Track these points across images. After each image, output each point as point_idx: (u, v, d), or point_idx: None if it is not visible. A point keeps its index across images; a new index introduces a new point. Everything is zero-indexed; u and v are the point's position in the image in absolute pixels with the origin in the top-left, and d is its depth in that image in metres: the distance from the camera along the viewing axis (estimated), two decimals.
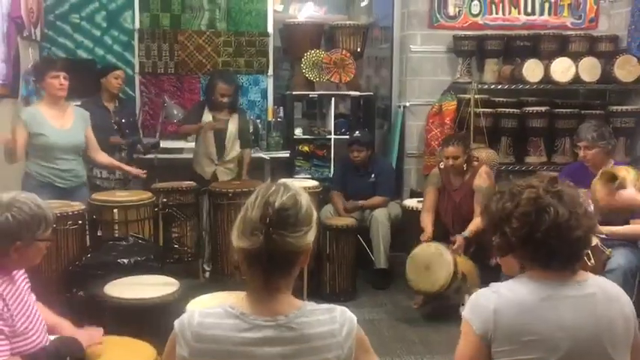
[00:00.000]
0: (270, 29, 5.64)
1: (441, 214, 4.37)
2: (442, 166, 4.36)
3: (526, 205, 1.54)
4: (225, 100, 4.72)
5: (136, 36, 5.43)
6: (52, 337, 2.18)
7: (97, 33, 5.38)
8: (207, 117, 4.75)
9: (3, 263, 2.03)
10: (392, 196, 5.04)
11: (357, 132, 5.03)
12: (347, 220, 4.64)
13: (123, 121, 4.71)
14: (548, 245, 1.53)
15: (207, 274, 4.72)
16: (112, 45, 5.42)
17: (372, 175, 4.95)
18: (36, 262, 2.15)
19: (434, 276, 3.95)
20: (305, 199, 1.47)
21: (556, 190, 1.56)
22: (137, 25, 5.44)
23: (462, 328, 1.60)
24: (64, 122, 3.89)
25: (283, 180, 1.68)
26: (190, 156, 4.97)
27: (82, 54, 5.36)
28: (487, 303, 1.56)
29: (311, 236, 1.46)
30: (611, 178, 2.84)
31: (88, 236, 3.78)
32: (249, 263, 1.44)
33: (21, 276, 2.16)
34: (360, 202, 4.88)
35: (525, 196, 1.56)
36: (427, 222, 4.28)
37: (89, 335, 2.31)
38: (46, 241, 2.11)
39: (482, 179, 4.21)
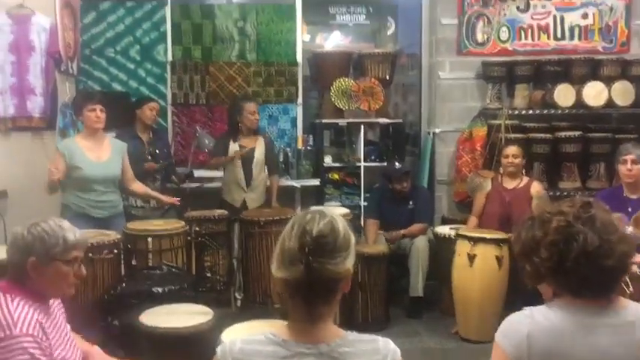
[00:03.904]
0: (299, 59, 5.72)
1: (483, 219, 4.53)
2: (501, 170, 4.61)
3: (554, 234, 1.50)
4: (255, 117, 4.77)
5: (169, 68, 5.56)
6: None
7: (131, 66, 5.52)
8: (234, 145, 4.79)
9: (30, 286, 2.02)
10: (431, 222, 5.00)
11: (396, 164, 5.02)
12: (379, 248, 4.61)
13: (157, 151, 4.79)
14: (579, 274, 1.48)
15: (238, 303, 4.71)
16: (146, 77, 5.55)
17: (410, 203, 4.93)
18: (64, 290, 2.10)
19: None
20: (342, 225, 1.46)
21: (588, 216, 1.51)
22: (170, 57, 5.57)
23: (493, 351, 1.55)
24: (100, 154, 3.98)
25: (318, 207, 1.68)
26: (221, 184, 5.02)
27: (117, 87, 5.51)
28: (520, 327, 1.52)
29: (350, 261, 1.45)
30: None
31: (122, 265, 3.82)
32: (290, 293, 1.43)
33: (57, 306, 2.17)
34: (402, 231, 4.83)
35: (554, 224, 1.51)
36: (474, 225, 4.57)
37: None
38: (67, 264, 2.05)
39: (540, 187, 4.51)
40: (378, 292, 4.45)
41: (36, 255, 1.99)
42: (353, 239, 1.49)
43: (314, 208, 1.57)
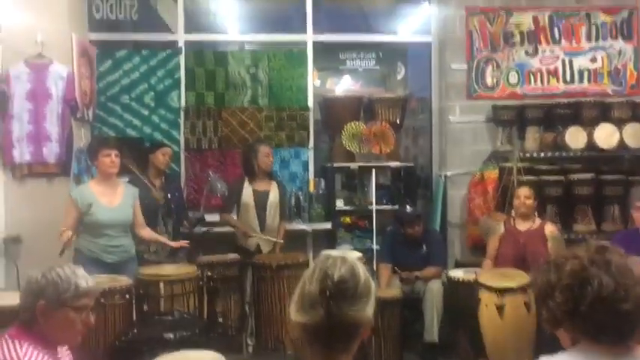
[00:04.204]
0: (310, 103, 5.80)
1: (498, 261, 4.45)
2: (513, 213, 4.55)
3: (568, 278, 1.48)
4: (270, 159, 4.81)
5: (182, 114, 5.65)
6: None
7: (146, 112, 5.61)
8: (248, 189, 4.80)
9: (38, 331, 2.02)
10: (445, 265, 4.96)
11: (408, 207, 5.01)
12: (393, 292, 4.55)
13: (169, 196, 4.82)
14: (595, 319, 1.45)
15: (250, 349, 4.65)
16: (159, 123, 5.63)
17: (423, 247, 4.90)
18: (71, 337, 2.10)
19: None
20: (363, 271, 1.45)
21: (603, 260, 1.48)
22: (183, 103, 5.66)
23: None
24: (113, 199, 4.01)
25: (338, 251, 1.68)
26: (234, 229, 5.01)
27: (131, 132, 5.58)
28: None
29: (371, 308, 1.43)
30: None
31: (134, 310, 3.80)
32: (309, 339, 1.41)
33: (66, 352, 2.16)
34: (416, 273, 4.79)
35: (568, 268, 1.49)
36: (488, 269, 4.45)
37: None
38: (75, 310, 2.05)
39: (554, 228, 4.49)
40: (391, 336, 4.38)
41: (46, 299, 2.00)
42: (373, 286, 1.47)
43: (334, 252, 1.56)
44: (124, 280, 3.73)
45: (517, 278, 4.02)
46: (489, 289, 4.03)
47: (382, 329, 4.36)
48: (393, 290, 4.61)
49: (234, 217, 4.90)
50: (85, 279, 2.10)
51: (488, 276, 4.19)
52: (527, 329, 3.95)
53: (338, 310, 1.37)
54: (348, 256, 1.49)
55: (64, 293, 2.03)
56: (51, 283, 2.02)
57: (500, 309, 3.96)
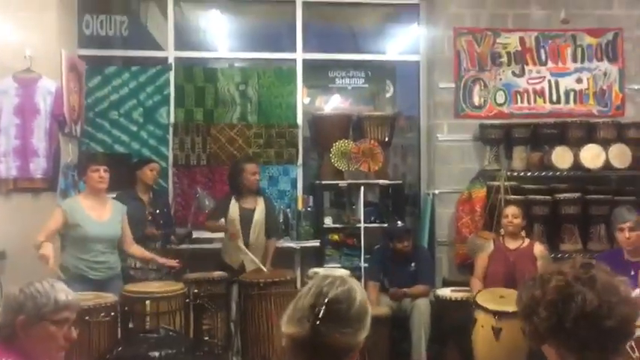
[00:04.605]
0: (299, 121, 5.82)
1: (487, 280, 4.41)
2: (502, 232, 4.55)
3: (553, 294, 1.48)
4: (256, 177, 4.80)
5: (171, 130, 5.64)
6: None
7: (134, 128, 5.60)
8: (235, 207, 4.78)
9: (19, 347, 1.99)
10: (434, 284, 4.97)
11: (398, 222, 5.06)
12: (382, 310, 4.53)
13: (157, 212, 4.80)
14: (579, 335, 1.45)
15: None
16: (148, 139, 5.62)
17: (412, 264, 4.91)
18: (52, 353, 2.05)
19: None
20: (360, 295, 1.44)
21: (588, 277, 1.48)
22: (172, 119, 5.66)
23: None
24: (101, 214, 3.99)
25: (326, 270, 1.67)
26: (220, 245, 4.99)
27: (119, 148, 5.56)
28: None
29: (362, 335, 1.42)
30: None
31: (119, 328, 3.76)
32: (293, 352, 1.41)
33: None
34: (404, 290, 4.78)
35: (553, 284, 1.49)
36: (478, 288, 4.39)
37: None
38: (56, 324, 2.02)
39: (543, 248, 4.51)
40: (380, 355, 4.35)
41: (26, 314, 1.99)
42: (369, 313, 1.46)
43: (336, 273, 1.56)
44: (109, 297, 3.69)
45: (512, 301, 3.97)
46: (487, 311, 3.99)
47: (371, 347, 4.33)
48: (382, 308, 4.59)
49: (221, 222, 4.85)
50: (65, 292, 2.09)
51: (487, 297, 4.14)
52: (522, 352, 3.92)
53: (325, 329, 1.37)
54: (349, 278, 1.49)
55: (43, 307, 2.01)
56: (29, 298, 2.01)
57: (497, 332, 3.92)
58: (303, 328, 1.37)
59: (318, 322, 1.36)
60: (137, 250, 4.24)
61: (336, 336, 1.37)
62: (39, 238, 3.70)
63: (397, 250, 4.90)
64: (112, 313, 3.63)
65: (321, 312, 1.37)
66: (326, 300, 1.39)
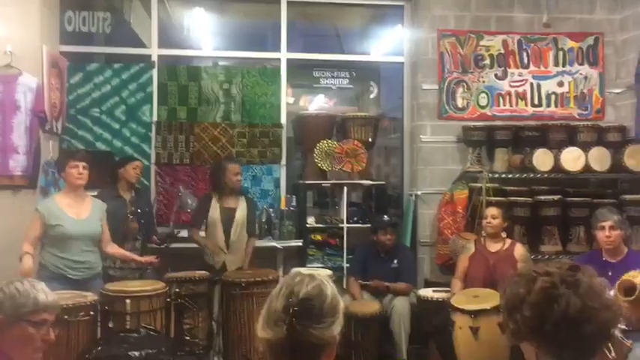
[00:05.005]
0: (283, 121, 5.81)
1: (467, 281, 4.44)
2: (483, 233, 4.58)
3: (537, 295, 1.49)
4: (238, 178, 4.79)
5: (154, 128, 5.60)
6: None
7: (116, 126, 5.55)
8: (215, 206, 4.77)
9: None
10: (415, 283, 5.02)
11: (385, 217, 5.16)
12: (373, 308, 4.56)
13: (139, 210, 4.76)
14: (559, 338, 1.47)
15: None
16: (130, 137, 5.57)
17: (395, 261, 4.97)
18: (30, 354, 2.03)
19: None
20: (330, 290, 1.46)
21: (573, 280, 1.50)
22: (155, 117, 5.62)
23: None
24: (80, 212, 3.95)
25: (307, 269, 1.68)
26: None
27: (101, 146, 5.51)
28: None
29: (336, 328, 1.44)
30: (630, 287, 2.77)
31: (99, 328, 3.72)
32: (273, 355, 1.41)
33: None
34: (387, 284, 4.84)
35: (539, 284, 1.51)
36: (458, 288, 4.45)
37: None
38: (34, 326, 2.01)
39: (524, 250, 4.54)
40: (370, 353, 4.39)
41: (4, 313, 1.96)
42: (341, 305, 1.48)
43: (303, 270, 1.57)
44: (88, 296, 3.65)
45: (490, 299, 4.04)
46: (463, 312, 4.04)
47: (362, 345, 4.35)
48: (373, 306, 4.62)
49: (203, 234, 4.85)
50: (45, 293, 2.06)
51: (462, 299, 4.20)
52: (501, 349, 3.95)
53: (301, 328, 1.38)
54: (316, 274, 1.50)
55: (22, 307, 1.98)
56: (8, 297, 1.97)
57: (475, 331, 3.98)
58: (279, 331, 1.38)
59: (293, 323, 1.37)
60: (114, 249, 4.19)
61: (313, 332, 1.39)
62: (24, 248, 3.67)
63: (380, 243, 4.95)
64: (92, 313, 3.59)
65: (295, 311, 1.38)
66: (298, 299, 1.40)
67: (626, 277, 2.94)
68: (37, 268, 3.86)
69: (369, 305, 4.65)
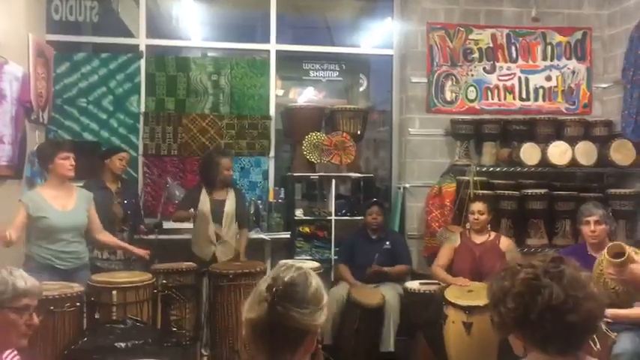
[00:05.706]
0: (272, 112, 5.79)
1: (454, 274, 4.47)
2: (468, 226, 4.61)
3: (520, 286, 1.51)
4: (229, 172, 4.78)
5: (141, 119, 5.56)
6: None
7: (104, 116, 5.51)
8: (205, 198, 4.75)
9: None
10: (412, 265, 5.21)
11: (374, 199, 5.33)
12: (377, 299, 4.62)
13: (125, 201, 4.74)
14: (544, 328, 1.48)
15: (205, 359, 4.59)
16: (118, 128, 5.53)
17: (387, 243, 5.08)
18: (14, 340, 2.03)
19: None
20: (316, 281, 1.50)
21: (556, 271, 1.52)
22: (143, 108, 5.58)
23: None
24: (66, 203, 3.91)
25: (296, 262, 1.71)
26: (190, 236, 4.95)
27: (88, 136, 5.47)
28: None
29: (319, 318, 1.46)
30: (619, 252, 2.82)
31: (85, 319, 3.71)
32: (254, 337, 1.44)
33: (10, 356, 2.09)
34: (386, 269, 4.92)
35: (522, 276, 1.53)
36: (445, 274, 4.48)
37: None
38: (16, 312, 2.01)
39: (509, 241, 4.59)
40: (369, 341, 4.52)
41: None
42: (325, 299, 1.50)
43: (290, 262, 1.61)
44: (74, 287, 3.63)
45: (484, 295, 4.02)
46: (457, 307, 4.05)
47: (366, 334, 4.49)
48: (377, 296, 4.66)
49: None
50: (24, 279, 2.06)
51: (456, 293, 4.20)
52: (493, 344, 3.98)
53: (282, 309, 1.40)
54: (304, 265, 1.54)
55: (1, 295, 1.99)
56: None
57: (467, 326, 4.00)
58: (261, 310, 1.41)
59: (275, 301, 1.40)
60: (107, 237, 4.17)
61: (293, 315, 1.41)
62: (12, 237, 3.57)
63: (368, 223, 5.08)
64: (78, 304, 3.58)
65: (278, 291, 1.42)
66: (282, 282, 1.44)
67: (616, 243, 3.02)
68: (23, 259, 3.84)
69: (373, 295, 4.68)
